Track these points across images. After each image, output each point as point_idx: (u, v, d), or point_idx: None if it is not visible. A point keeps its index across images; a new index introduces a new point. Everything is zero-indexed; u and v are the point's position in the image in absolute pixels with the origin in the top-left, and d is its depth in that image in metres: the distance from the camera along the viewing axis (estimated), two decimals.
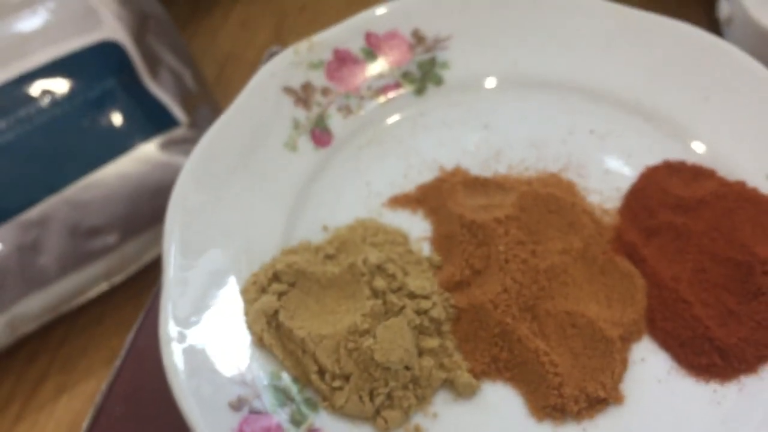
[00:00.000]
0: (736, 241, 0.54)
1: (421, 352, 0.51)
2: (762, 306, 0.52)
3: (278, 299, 0.52)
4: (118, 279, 0.67)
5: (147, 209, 0.65)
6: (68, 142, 0.66)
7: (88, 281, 0.65)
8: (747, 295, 0.52)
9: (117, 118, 0.68)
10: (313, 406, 0.49)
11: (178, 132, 0.69)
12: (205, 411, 0.47)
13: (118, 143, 0.67)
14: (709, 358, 0.51)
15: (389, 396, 0.49)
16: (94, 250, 0.65)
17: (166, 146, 0.68)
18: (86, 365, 0.66)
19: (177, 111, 0.71)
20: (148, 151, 0.67)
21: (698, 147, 0.61)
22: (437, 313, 0.52)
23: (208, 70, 0.85)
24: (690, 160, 0.60)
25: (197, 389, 0.47)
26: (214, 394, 0.48)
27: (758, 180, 0.58)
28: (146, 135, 0.68)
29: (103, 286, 0.66)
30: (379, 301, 0.51)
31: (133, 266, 0.67)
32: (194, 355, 0.49)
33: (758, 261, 0.53)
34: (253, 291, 0.53)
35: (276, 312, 0.51)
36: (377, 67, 0.65)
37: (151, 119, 0.69)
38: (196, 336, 0.50)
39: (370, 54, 0.65)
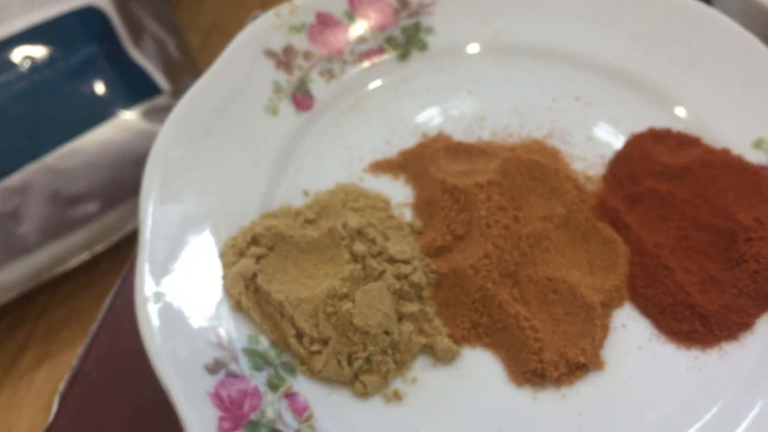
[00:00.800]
0: (720, 208, 0.54)
1: (400, 317, 0.50)
2: (744, 273, 0.51)
3: (257, 263, 0.51)
4: (99, 248, 0.66)
5: (129, 177, 0.65)
6: (49, 109, 0.65)
7: (69, 250, 0.65)
8: (729, 262, 0.52)
9: (98, 85, 0.67)
10: (291, 370, 0.49)
11: (160, 100, 0.68)
12: (180, 373, 0.46)
13: (100, 110, 0.66)
14: (691, 324, 0.50)
15: (368, 361, 0.49)
16: (76, 219, 0.64)
17: (148, 114, 0.67)
18: (67, 335, 0.65)
19: (160, 79, 0.70)
20: (130, 119, 0.66)
21: (683, 114, 0.61)
22: (417, 278, 0.51)
23: (193, 39, 0.83)
24: (675, 127, 0.60)
25: (173, 351, 0.47)
26: (190, 357, 0.47)
27: (743, 148, 0.58)
28: (128, 103, 0.67)
29: (85, 256, 0.65)
30: (359, 266, 0.51)
31: (115, 235, 0.67)
32: (170, 317, 0.48)
33: (741, 228, 0.53)
34: (231, 254, 0.52)
35: (254, 275, 0.51)
36: (360, 31, 0.64)
37: (133, 87, 0.68)
38: (172, 298, 0.49)
39: (354, 18, 0.64)
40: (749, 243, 0.52)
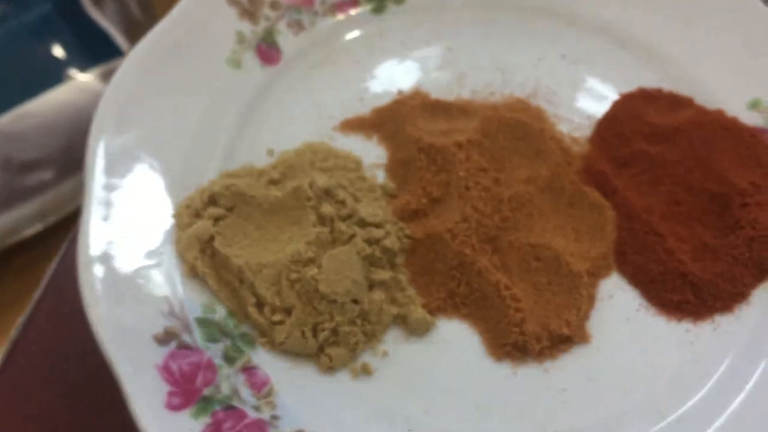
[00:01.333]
0: (714, 172, 0.51)
1: (371, 285, 0.47)
2: (739, 240, 0.49)
3: (214, 224, 0.47)
4: (53, 219, 0.63)
5: (85, 143, 0.61)
6: (0, 70, 0.62)
7: (22, 220, 0.62)
8: (724, 228, 0.50)
9: (54, 45, 0.64)
10: (249, 342, 0.46)
11: (120, 63, 0.65)
12: (126, 344, 0.42)
13: (55, 72, 0.63)
14: (682, 294, 0.48)
15: (335, 332, 0.46)
16: (28, 187, 0.61)
17: (106, 77, 0.64)
18: (19, 309, 0.61)
19: (120, 40, 0.68)
20: (88, 81, 0.64)
21: (676, 74, 0.58)
22: (390, 243, 0.48)
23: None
24: (666, 87, 0.58)
25: (118, 320, 0.43)
26: (138, 326, 0.43)
27: (738, 109, 0.55)
28: (86, 64, 0.65)
29: (38, 226, 0.62)
30: (326, 229, 0.47)
31: (70, 206, 0.63)
32: (117, 281, 0.44)
33: (736, 192, 0.50)
34: (186, 215, 0.48)
35: (211, 238, 0.47)
36: None
37: (91, 48, 0.66)
38: (120, 261, 0.45)
39: None
40: (745, 208, 0.50)
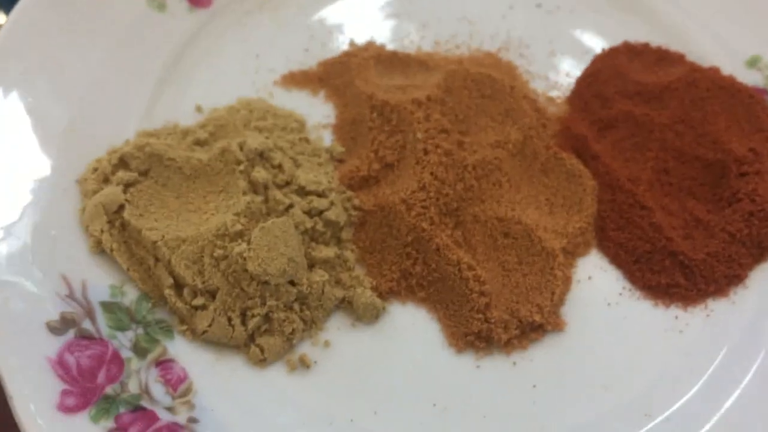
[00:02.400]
0: (708, 136, 0.48)
1: (312, 264, 0.42)
2: (737, 215, 0.45)
3: (124, 191, 0.42)
4: None
5: None
6: None
7: None
8: (719, 201, 0.46)
9: None
10: (166, 330, 0.41)
11: None
12: (12, 332, 0.37)
13: None
14: (671, 276, 0.44)
15: (267, 318, 0.41)
16: None
17: None
18: None
19: None
20: None
21: (666, 26, 0.55)
22: (335, 214, 0.43)
23: None
24: (655, 41, 0.54)
25: (5, 303, 0.38)
26: (28, 311, 0.38)
27: (736, 67, 0.52)
28: None
29: None
30: (259, 198, 0.42)
31: None
32: (5, 258, 0.39)
33: (733, 160, 0.46)
34: (93, 180, 0.42)
35: (121, 207, 0.41)
36: None
37: None
38: (7, 233, 0.40)
39: None
40: (743, 178, 0.46)
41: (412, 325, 0.43)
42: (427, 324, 0.43)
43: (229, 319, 0.40)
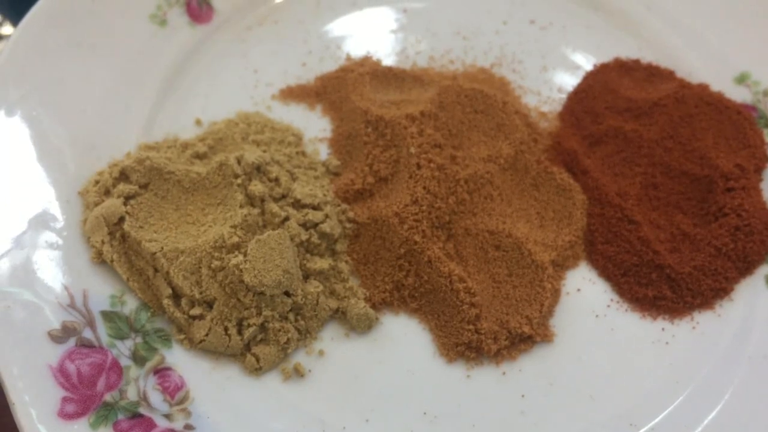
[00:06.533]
0: (696, 152, 0.48)
1: (307, 275, 0.43)
2: (723, 229, 0.46)
3: (125, 203, 0.42)
4: None
5: None
6: None
7: None
8: (705, 215, 0.47)
9: None
10: (164, 339, 0.41)
11: None
12: (14, 340, 0.37)
13: None
14: (658, 289, 0.45)
15: (263, 328, 0.41)
16: None
17: None
18: None
19: None
20: None
21: (656, 43, 0.55)
22: (330, 227, 0.44)
23: None
24: (645, 57, 0.54)
25: (7, 313, 0.38)
26: (30, 320, 0.39)
27: (724, 84, 0.52)
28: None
29: None
30: (256, 210, 0.43)
31: None
32: (8, 268, 0.39)
33: (720, 175, 0.47)
34: (94, 193, 0.43)
35: (121, 219, 0.42)
36: None
37: None
38: (12, 245, 0.40)
39: None
40: (730, 193, 0.47)
41: (404, 336, 0.44)
42: (419, 334, 0.44)
43: (226, 329, 0.41)
